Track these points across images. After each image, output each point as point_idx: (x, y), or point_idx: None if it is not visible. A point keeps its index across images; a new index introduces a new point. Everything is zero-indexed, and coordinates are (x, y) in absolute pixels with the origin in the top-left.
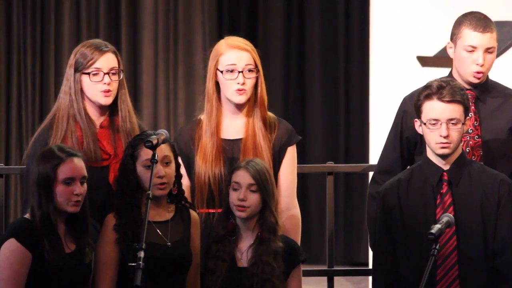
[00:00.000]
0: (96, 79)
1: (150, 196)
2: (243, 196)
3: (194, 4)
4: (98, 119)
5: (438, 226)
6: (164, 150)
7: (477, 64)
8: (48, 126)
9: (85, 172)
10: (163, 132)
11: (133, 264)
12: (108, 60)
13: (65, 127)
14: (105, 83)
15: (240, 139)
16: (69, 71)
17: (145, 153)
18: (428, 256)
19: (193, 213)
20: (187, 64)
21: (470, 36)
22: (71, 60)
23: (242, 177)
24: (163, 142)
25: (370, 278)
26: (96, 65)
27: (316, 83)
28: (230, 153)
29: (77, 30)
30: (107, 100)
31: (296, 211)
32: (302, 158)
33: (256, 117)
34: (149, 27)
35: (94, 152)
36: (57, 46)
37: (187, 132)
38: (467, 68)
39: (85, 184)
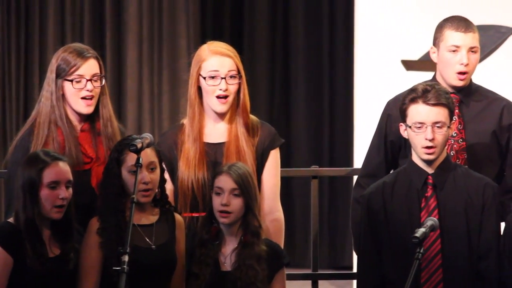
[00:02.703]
0: (78, 86)
1: (135, 200)
2: (226, 201)
3: (178, 8)
4: (79, 124)
5: (422, 229)
6: (149, 155)
7: (461, 64)
8: (29, 131)
9: (70, 176)
10: (147, 136)
11: (118, 268)
12: (90, 67)
13: (46, 133)
14: (87, 90)
15: (223, 143)
16: (50, 76)
17: (131, 158)
18: (412, 259)
19: (177, 216)
20: (172, 68)
21: (453, 36)
22: (53, 65)
23: (225, 181)
24: (148, 146)
25: (355, 281)
26: (79, 72)
27: (301, 87)
28: (213, 157)
29: (61, 34)
30: (88, 110)
31: (280, 214)
32: (286, 162)
33: (238, 123)
34: (133, 31)
35: (76, 157)
36: (41, 50)
37: (170, 137)
38: (451, 70)
39: (71, 189)
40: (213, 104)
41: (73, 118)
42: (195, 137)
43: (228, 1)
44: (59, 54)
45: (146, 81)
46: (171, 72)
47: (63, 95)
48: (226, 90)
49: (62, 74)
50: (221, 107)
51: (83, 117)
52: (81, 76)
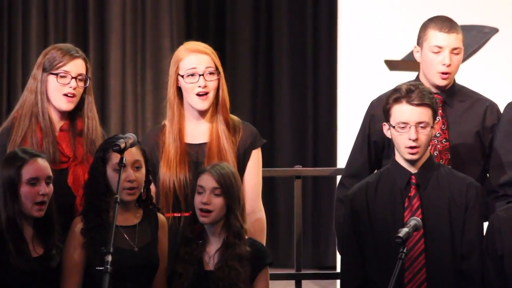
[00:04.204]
0: (63, 81)
1: (118, 200)
2: (206, 200)
3: (162, 8)
4: (58, 123)
5: (405, 229)
6: (134, 154)
7: (444, 65)
8: (9, 127)
9: (50, 172)
10: (131, 136)
11: (101, 268)
12: (77, 66)
13: (27, 126)
14: (70, 87)
15: (204, 143)
16: (36, 71)
17: (116, 157)
18: (396, 259)
19: (160, 217)
20: (155, 69)
21: (436, 36)
22: (40, 60)
23: (206, 180)
24: (131, 146)
25: (338, 281)
26: (65, 68)
27: (284, 88)
28: (194, 157)
29: (44, 35)
30: (68, 106)
31: (261, 214)
32: (270, 161)
33: (219, 121)
34: (116, 32)
35: (53, 154)
36: (24, 51)
37: (151, 138)
38: (433, 70)
39: (51, 185)
40: (193, 102)
41: (54, 116)
42: (175, 137)
43: (212, 2)
44: (47, 50)
45: (130, 81)
46: (155, 72)
47: (46, 92)
48: (205, 86)
49: (48, 68)
50: (202, 104)
51: (64, 116)
52: (66, 72)
